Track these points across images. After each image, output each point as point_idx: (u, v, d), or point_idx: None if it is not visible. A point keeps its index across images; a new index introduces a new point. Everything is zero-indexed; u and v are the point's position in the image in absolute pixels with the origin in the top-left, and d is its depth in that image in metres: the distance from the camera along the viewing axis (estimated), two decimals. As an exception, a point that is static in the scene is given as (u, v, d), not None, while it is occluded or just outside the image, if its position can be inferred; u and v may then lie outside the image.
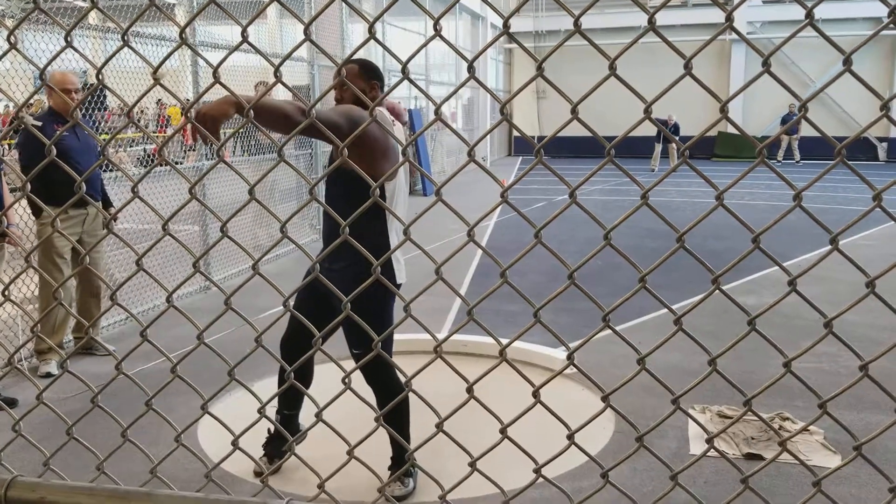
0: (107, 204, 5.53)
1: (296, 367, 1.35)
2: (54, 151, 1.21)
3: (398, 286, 3.29)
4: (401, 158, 3.57)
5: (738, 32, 0.91)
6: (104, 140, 1.26)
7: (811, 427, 4.06)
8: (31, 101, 1.45)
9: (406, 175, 3.55)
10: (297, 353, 3.49)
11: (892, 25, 0.91)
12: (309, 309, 3.37)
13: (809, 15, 0.89)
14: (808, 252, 8.62)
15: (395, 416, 3.38)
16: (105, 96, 7.12)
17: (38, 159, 4.19)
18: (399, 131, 3.54)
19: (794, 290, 1.01)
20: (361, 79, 3.30)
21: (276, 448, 3.68)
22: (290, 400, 3.69)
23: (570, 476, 3.55)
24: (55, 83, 4.94)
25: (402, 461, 3.47)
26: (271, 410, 3.81)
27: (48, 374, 5.03)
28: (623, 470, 3.62)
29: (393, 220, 3.32)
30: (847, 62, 0.89)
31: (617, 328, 1.22)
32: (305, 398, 3.79)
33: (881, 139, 22.98)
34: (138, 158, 15.35)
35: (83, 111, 6.32)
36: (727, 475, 3.58)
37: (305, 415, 3.83)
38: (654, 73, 11.33)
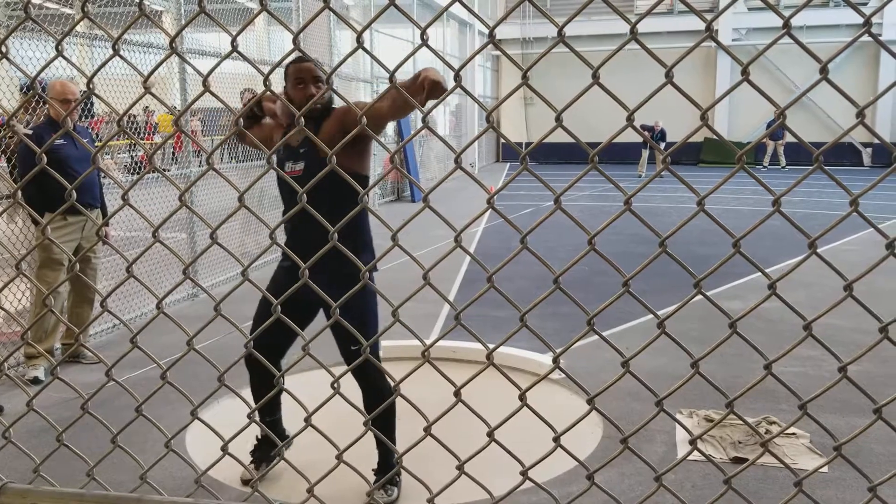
0: (105, 212, 5.53)
1: (282, 374, 1.36)
2: (45, 160, 1.22)
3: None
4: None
5: (717, 42, 0.93)
6: (91, 149, 1.27)
7: (798, 431, 4.09)
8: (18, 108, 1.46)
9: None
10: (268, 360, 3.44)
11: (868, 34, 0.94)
12: (277, 322, 3.32)
13: (787, 24, 0.91)
14: (791, 257, 8.68)
15: (383, 420, 3.39)
16: (92, 104, 7.09)
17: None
18: None
19: (774, 294, 1.03)
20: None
21: (265, 453, 3.68)
22: (269, 406, 3.70)
23: (559, 482, 3.57)
24: (55, 94, 4.94)
25: (387, 467, 3.47)
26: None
27: (35, 380, 5.00)
28: (611, 475, 3.64)
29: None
30: (823, 70, 0.91)
31: (603, 333, 1.23)
32: (286, 402, 3.79)
33: (866, 145, 23.18)
34: (125, 165, 15.31)
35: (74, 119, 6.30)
36: (714, 479, 3.60)
37: (294, 420, 3.83)
38: (640, 78, 11.38)
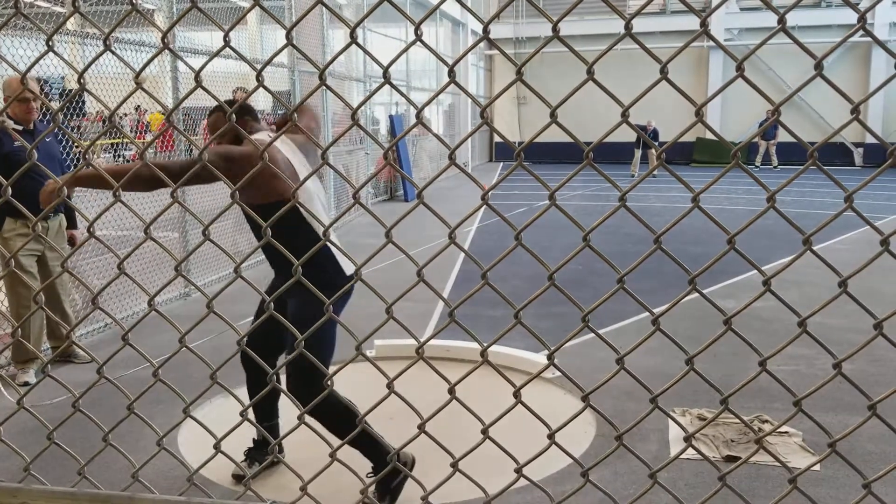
0: (69, 217, 5.39)
1: (274, 372, 1.35)
2: (35, 156, 1.21)
3: (350, 277, 3.18)
4: (300, 169, 3.48)
5: (712, 38, 0.93)
6: (84, 146, 1.27)
7: (790, 429, 4.10)
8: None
9: (316, 181, 3.60)
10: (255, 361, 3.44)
11: (862, 32, 0.93)
12: (267, 322, 3.28)
13: (782, 21, 0.91)
14: (784, 256, 8.70)
15: (340, 429, 3.10)
16: (84, 102, 7.06)
17: None
18: (288, 145, 3.40)
19: (768, 290, 1.03)
20: (225, 121, 3.36)
21: (260, 454, 3.68)
22: (267, 411, 3.67)
23: (553, 480, 3.57)
24: (12, 91, 4.86)
25: (380, 465, 3.39)
26: (254, 416, 3.80)
27: (26, 384, 4.98)
28: (604, 474, 3.64)
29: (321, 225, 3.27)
30: (818, 67, 0.91)
31: (597, 332, 1.23)
32: (279, 405, 3.78)
33: (857, 144, 23.28)
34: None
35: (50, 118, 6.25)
36: (708, 477, 3.61)
37: (288, 418, 3.82)
38: (633, 79, 11.44)
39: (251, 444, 3.75)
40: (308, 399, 3.09)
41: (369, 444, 3.22)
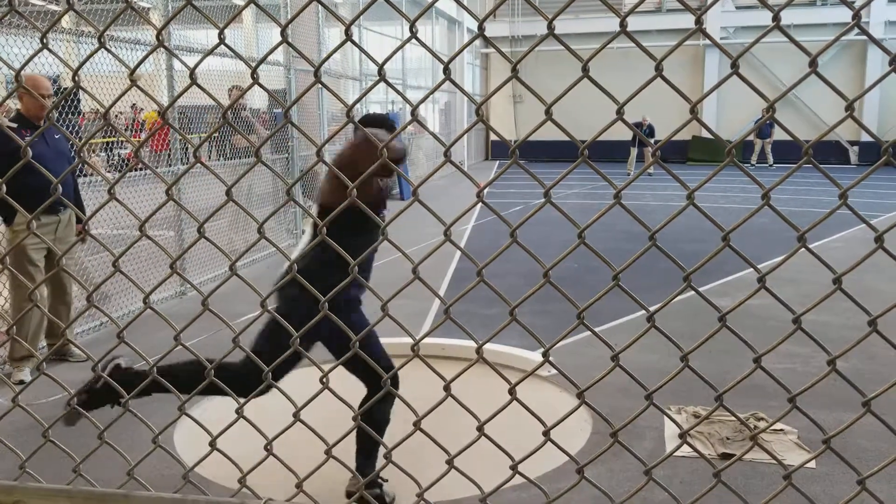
0: (82, 211, 5.44)
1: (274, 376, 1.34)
2: (30, 153, 1.21)
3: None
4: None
5: (707, 35, 0.93)
6: (78, 143, 1.26)
7: (785, 427, 4.11)
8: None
9: None
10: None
11: (857, 30, 0.94)
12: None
13: (776, 18, 0.92)
14: (779, 254, 8.72)
15: (375, 422, 3.33)
16: (79, 100, 7.04)
17: (4, 166, 4.03)
18: None
19: (763, 288, 1.03)
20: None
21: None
22: None
23: (548, 478, 3.57)
24: (32, 87, 4.87)
25: (364, 468, 3.40)
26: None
27: (21, 382, 4.96)
28: (600, 471, 3.65)
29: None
30: (813, 64, 0.91)
31: (592, 329, 1.23)
32: (274, 399, 3.76)
33: (852, 143, 23.33)
34: (114, 164, 15.21)
35: (56, 115, 6.24)
36: (703, 475, 3.61)
37: (284, 416, 3.81)
38: (630, 77, 11.41)
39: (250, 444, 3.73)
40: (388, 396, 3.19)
41: (372, 443, 3.29)
